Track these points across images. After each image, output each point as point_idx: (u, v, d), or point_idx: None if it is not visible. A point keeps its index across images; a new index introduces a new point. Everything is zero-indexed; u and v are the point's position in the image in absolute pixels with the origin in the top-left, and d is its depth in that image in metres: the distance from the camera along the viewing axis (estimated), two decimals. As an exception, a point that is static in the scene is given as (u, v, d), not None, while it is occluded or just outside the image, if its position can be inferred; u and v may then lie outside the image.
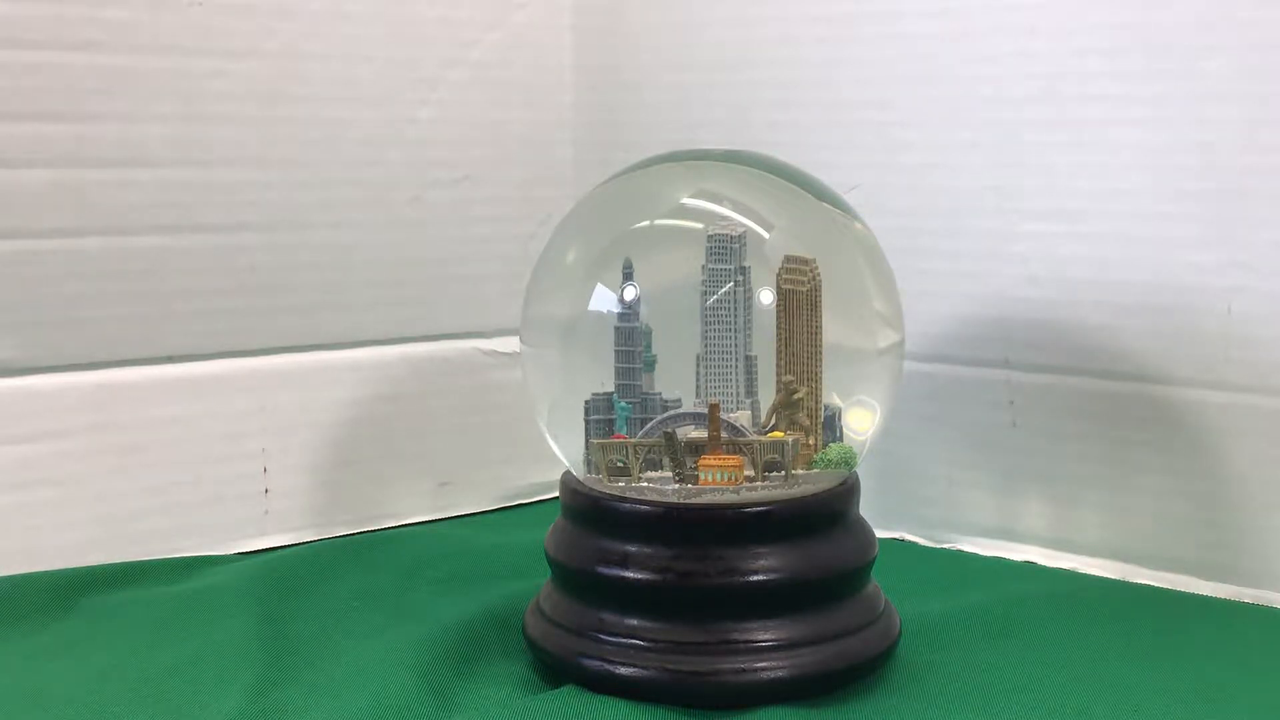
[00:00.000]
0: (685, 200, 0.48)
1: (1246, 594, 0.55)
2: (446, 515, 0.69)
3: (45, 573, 0.56)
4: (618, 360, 0.46)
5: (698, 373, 0.46)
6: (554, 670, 0.45)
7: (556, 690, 0.44)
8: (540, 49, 0.71)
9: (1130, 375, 0.58)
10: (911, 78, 0.62)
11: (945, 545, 0.63)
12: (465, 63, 0.68)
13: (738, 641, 0.43)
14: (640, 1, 0.71)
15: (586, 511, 0.46)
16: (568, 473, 0.48)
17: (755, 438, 0.45)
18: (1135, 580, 0.58)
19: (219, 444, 0.63)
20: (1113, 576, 0.58)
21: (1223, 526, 0.56)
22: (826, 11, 0.64)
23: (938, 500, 0.64)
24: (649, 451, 0.45)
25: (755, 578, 0.43)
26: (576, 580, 0.46)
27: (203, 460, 0.63)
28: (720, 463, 0.44)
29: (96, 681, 0.46)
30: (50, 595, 0.54)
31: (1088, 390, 0.59)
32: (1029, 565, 0.60)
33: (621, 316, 0.45)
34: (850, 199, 0.50)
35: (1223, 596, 0.55)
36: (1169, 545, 0.57)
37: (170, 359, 0.62)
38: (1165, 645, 0.49)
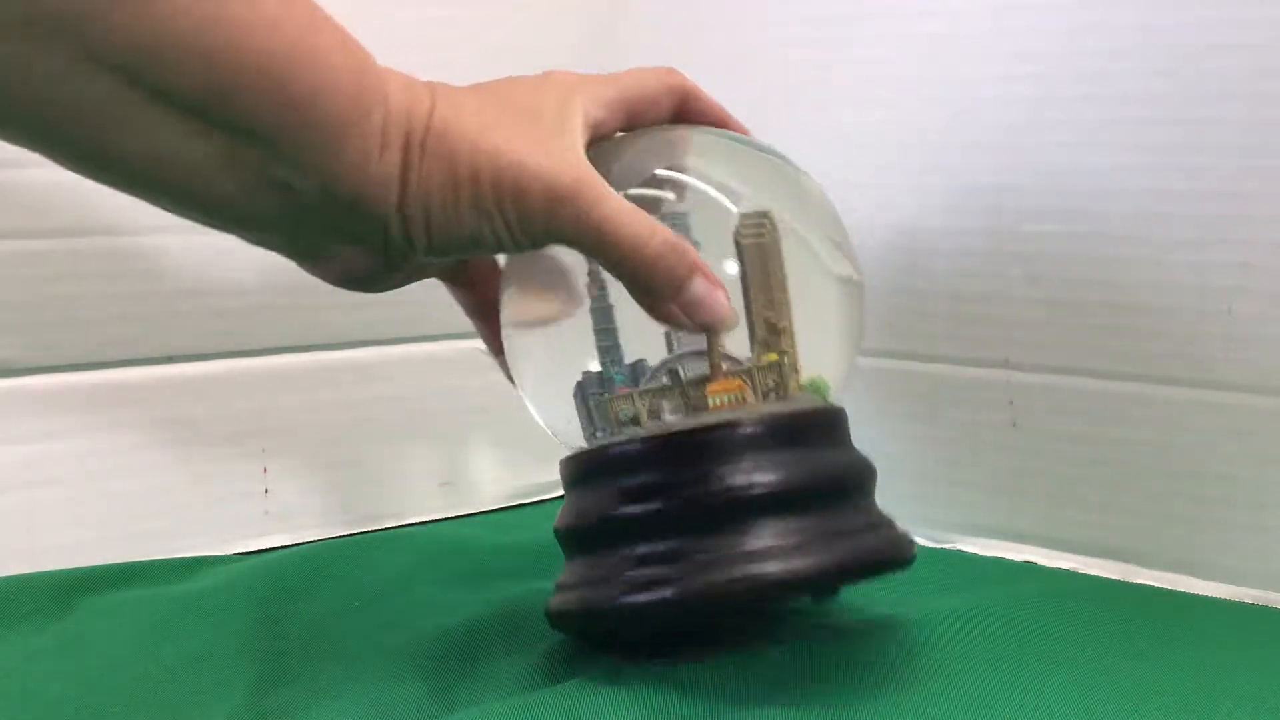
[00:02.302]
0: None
1: (1246, 594, 0.55)
2: (446, 515, 0.69)
3: (45, 573, 0.56)
4: (598, 340, 0.46)
5: (666, 333, 0.47)
6: (584, 630, 0.45)
7: (557, 690, 0.44)
8: (541, 50, 0.71)
9: (1130, 375, 0.58)
10: (911, 78, 0.62)
11: (945, 545, 0.63)
12: (465, 64, 0.68)
13: (757, 549, 0.42)
14: (641, 2, 0.71)
15: (593, 467, 0.46)
16: (563, 458, 0.48)
17: (753, 363, 0.45)
18: (1135, 580, 0.58)
19: (219, 444, 0.63)
20: (1113, 576, 0.58)
21: (1223, 526, 0.56)
22: (827, 12, 0.64)
23: (938, 500, 0.64)
24: (654, 397, 0.45)
25: (766, 481, 0.43)
26: (592, 534, 0.45)
27: (203, 460, 0.63)
28: (726, 387, 0.44)
29: (96, 681, 0.46)
30: (50, 595, 0.54)
31: (1088, 390, 0.59)
32: (1029, 565, 0.60)
33: (595, 299, 0.46)
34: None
35: (1223, 596, 0.55)
36: (1169, 545, 0.57)
37: (170, 359, 0.62)
38: (1165, 645, 0.49)
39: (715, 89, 0.68)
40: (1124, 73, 0.56)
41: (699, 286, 0.42)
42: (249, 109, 0.35)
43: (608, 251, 0.41)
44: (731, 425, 0.44)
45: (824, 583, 0.44)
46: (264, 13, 0.35)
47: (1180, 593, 0.56)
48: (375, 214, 0.39)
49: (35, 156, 0.57)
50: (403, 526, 0.67)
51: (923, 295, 0.61)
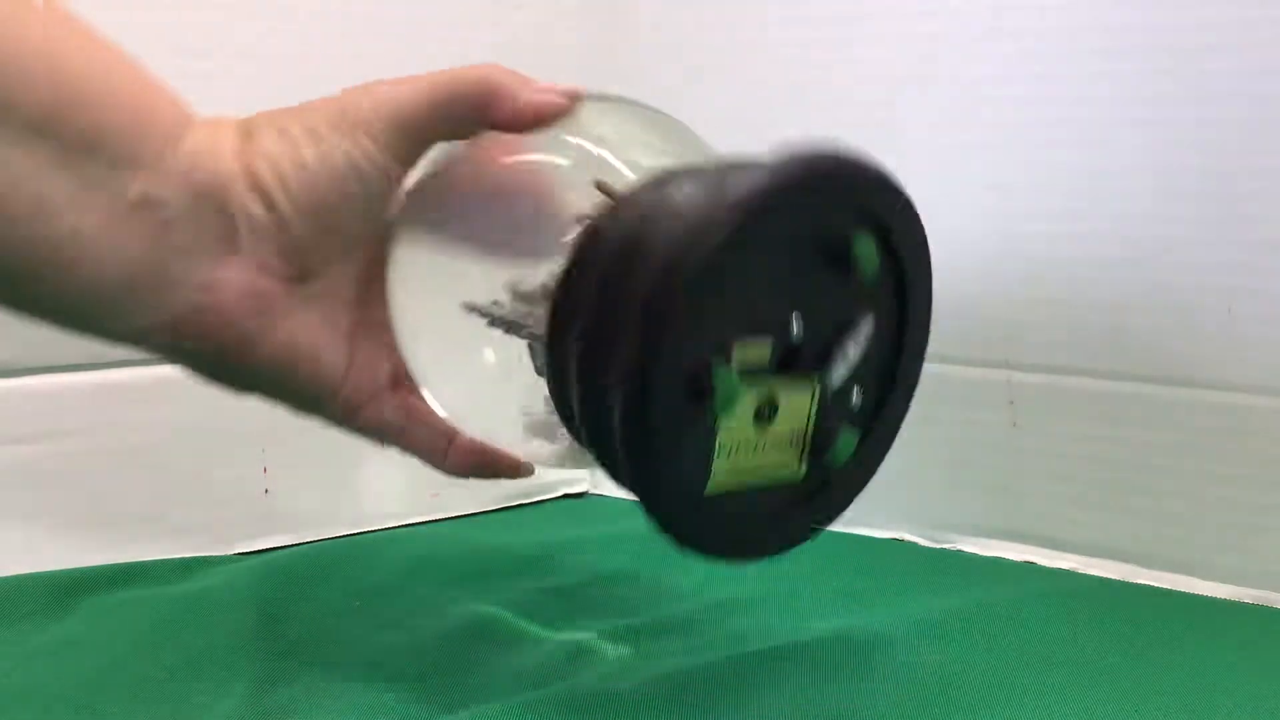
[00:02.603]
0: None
1: (1246, 594, 0.55)
2: (446, 515, 0.69)
3: (45, 573, 0.56)
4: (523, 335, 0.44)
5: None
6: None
7: (557, 690, 0.44)
8: (541, 50, 0.71)
9: (1130, 375, 0.58)
10: (911, 78, 0.62)
11: (945, 545, 0.63)
12: (465, 64, 0.68)
13: (709, 198, 0.38)
14: (641, 2, 0.71)
15: (552, 352, 0.41)
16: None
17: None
18: (1135, 580, 0.58)
19: (219, 444, 0.63)
20: (1113, 576, 0.58)
21: (1223, 526, 0.56)
22: (827, 12, 0.64)
23: (938, 500, 0.64)
24: None
25: (691, 177, 0.39)
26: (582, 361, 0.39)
27: (203, 460, 0.62)
28: None
29: (96, 681, 0.46)
30: (50, 595, 0.54)
31: (1088, 390, 0.59)
32: (1029, 565, 0.60)
33: (492, 315, 0.44)
34: None
35: (1223, 596, 0.55)
36: (1169, 545, 0.57)
37: (170, 359, 0.62)
38: (1165, 645, 0.49)
39: (715, 89, 0.68)
40: (1124, 73, 0.56)
41: (537, 81, 0.42)
42: (94, 120, 0.37)
43: (448, 93, 0.41)
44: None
45: (795, 191, 0.38)
46: (82, 39, 0.38)
47: (1180, 593, 0.56)
48: (234, 200, 0.39)
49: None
50: (403, 526, 0.67)
51: (923, 295, 0.61)
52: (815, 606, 0.53)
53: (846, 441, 0.43)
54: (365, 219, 0.42)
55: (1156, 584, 0.57)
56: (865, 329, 0.42)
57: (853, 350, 0.42)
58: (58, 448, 0.59)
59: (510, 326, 0.43)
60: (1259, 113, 0.53)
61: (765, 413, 0.40)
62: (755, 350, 0.39)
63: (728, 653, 0.47)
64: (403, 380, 0.45)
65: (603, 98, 0.46)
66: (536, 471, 0.48)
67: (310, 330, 0.42)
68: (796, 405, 0.41)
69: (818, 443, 0.42)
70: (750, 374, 0.39)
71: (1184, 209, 0.55)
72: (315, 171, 0.40)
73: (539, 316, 0.42)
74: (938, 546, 0.63)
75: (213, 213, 0.39)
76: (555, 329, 0.40)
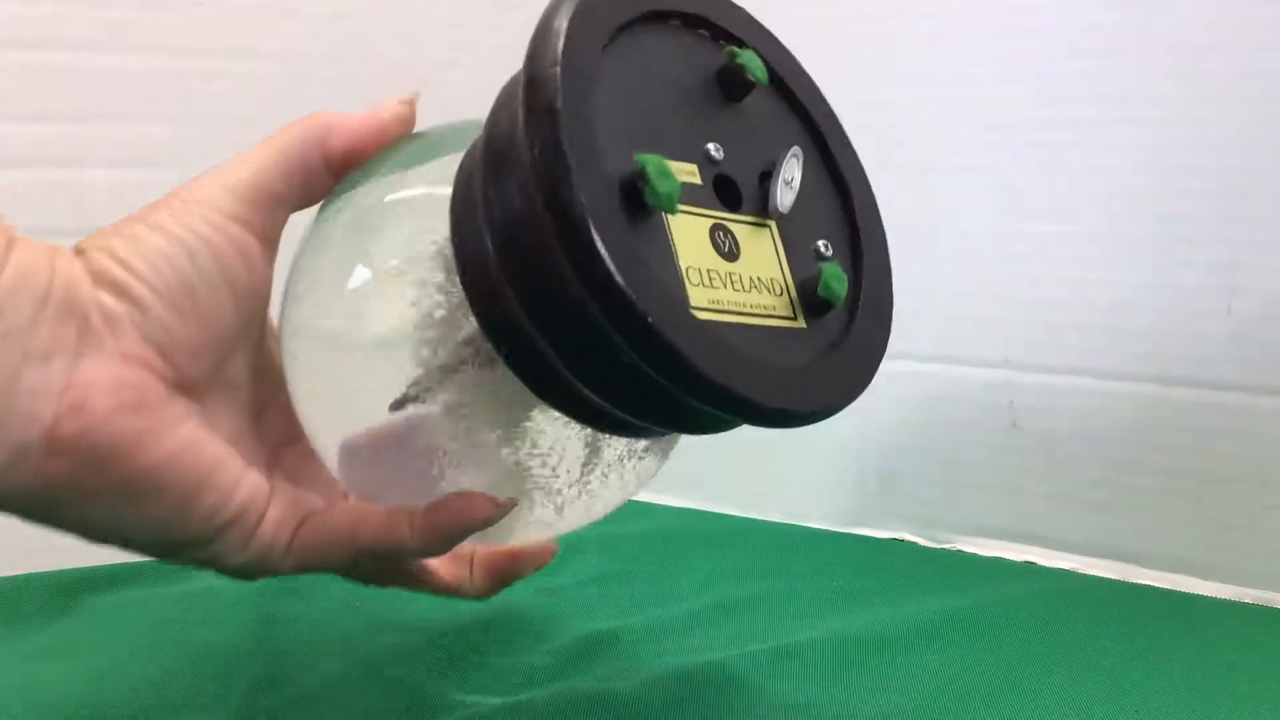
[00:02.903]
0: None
1: (1246, 594, 0.55)
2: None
3: (45, 573, 0.56)
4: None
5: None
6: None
7: (556, 690, 0.44)
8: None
9: (1130, 375, 0.58)
10: (911, 78, 0.62)
11: (945, 545, 0.63)
12: (465, 64, 0.68)
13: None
14: (640, 1, 0.71)
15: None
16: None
17: None
18: (1135, 580, 0.58)
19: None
20: (1113, 576, 0.58)
21: (1223, 526, 0.56)
22: (827, 12, 0.64)
23: (938, 500, 0.64)
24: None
25: None
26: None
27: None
28: None
29: (96, 682, 0.46)
30: (50, 595, 0.54)
31: (1087, 390, 0.59)
32: (1029, 565, 0.60)
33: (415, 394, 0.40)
34: None
35: (1223, 596, 0.55)
36: (1169, 545, 0.57)
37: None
38: (1165, 645, 0.49)
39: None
40: (1124, 73, 0.56)
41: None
42: None
43: (278, 145, 0.40)
44: None
45: None
46: None
47: (1180, 593, 0.56)
48: (81, 297, 0.36)
49: (35, 156, 0.57)
50: (403, 526, 0.67)
51: (923, 295, 0.61)
52: (815, 606, 0.53)
53: (833, 275, 0.39)
54: (230, 299, 0.38)
55: (1156, 584, 0.57)
56: (791, 155, 0.41)
57: (789, 175, 0.40)
58: (58, 448, 0.59)
59: (443, 370, 0.40)
60: (1259, 113, 0.53)
61: (725, 245, 0.38)
62: (680, 166, 0.37)
63: (728, 653, 0.47)
64: (338, 497, 0.42)
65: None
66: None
67: (209, 448, 0.37)
68: (759, 248, 0.39)
69: (804, 290, 0.39)
70: (692, 200, 0.37)
71: (1184, 209, 0.55)
72: (163, 253, 0.37)
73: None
74: (938, 546, 0.63)
75: (59, 314, 0.36)
76: (462, 258, 0.37)
